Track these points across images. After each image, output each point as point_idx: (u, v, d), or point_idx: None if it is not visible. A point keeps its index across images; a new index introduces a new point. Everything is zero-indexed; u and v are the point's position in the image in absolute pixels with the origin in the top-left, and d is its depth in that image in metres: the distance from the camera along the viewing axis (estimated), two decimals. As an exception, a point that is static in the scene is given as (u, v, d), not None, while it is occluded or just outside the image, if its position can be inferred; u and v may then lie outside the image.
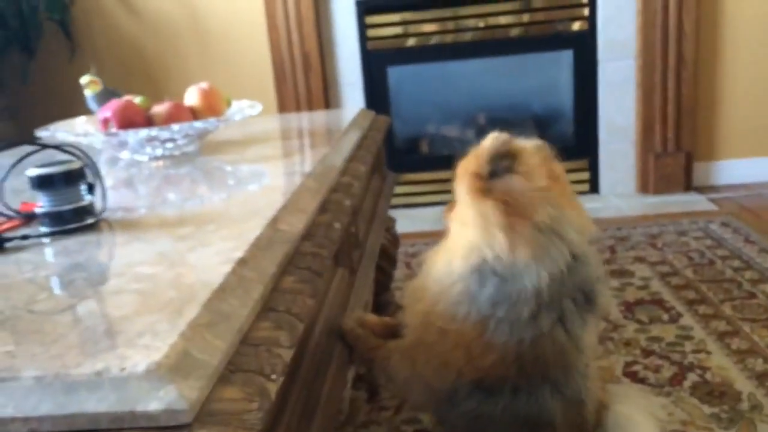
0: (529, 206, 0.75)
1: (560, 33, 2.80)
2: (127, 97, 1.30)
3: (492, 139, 0.77)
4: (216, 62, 2.94)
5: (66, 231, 0.80)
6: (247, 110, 1.30)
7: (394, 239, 1.82)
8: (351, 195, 1.05)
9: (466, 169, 0.78)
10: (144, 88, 2.94)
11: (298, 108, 2.86)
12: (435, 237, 2.56)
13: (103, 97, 1.58)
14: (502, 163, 0.75)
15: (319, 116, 1.73)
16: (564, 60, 2.86)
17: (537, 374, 0.81)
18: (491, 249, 0.78)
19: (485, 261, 0.79)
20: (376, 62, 2.88)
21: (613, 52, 2.78)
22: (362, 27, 2.83)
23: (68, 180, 0.80)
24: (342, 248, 1.05)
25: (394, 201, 2.98)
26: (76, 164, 0.82)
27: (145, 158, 1.26)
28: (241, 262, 0.65)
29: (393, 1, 2.79)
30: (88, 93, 1.56)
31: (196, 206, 0.89)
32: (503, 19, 2.80)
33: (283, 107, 2.87)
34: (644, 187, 2.88)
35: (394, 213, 2.94)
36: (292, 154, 1.21)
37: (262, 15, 2.80)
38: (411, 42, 2.85)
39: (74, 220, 0.81)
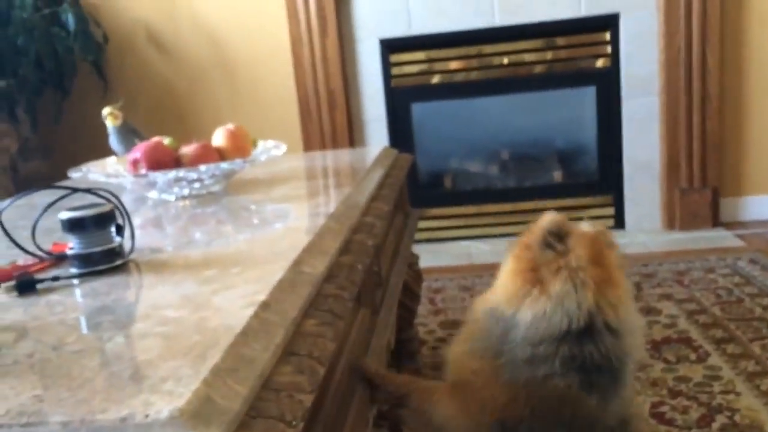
0: (549, 277, 0.87)
1: (583, 70, 2.82)
2: (156, 138, 1.33)
3: (547, 219, 0.91)
4: (244, 100, 3.00)
5: (95, 272, 0.82)
6: (273, 151, 1.32)
7: (417, 275, 1.82)
8: (373, 235, 1.06)
9: (522, 239, 0.93)
10: (174, 126, 3.02)
11: (322, 144, 2.90)
12: (459, 272, 2.56)
13: (123, 132, 1.63)
14: (550, 239, 0.88)
15: (343, 155, 1.75)
16: (587, 96, 2.87)
17: (548, 417, 0.87)
18: (503, 298, 0.92)
19: (497, 307, 0.92)
20: (400, 99, 2.92)
21: (636, 88, 2.78)
22: (386, 65, 2.88)
23: (98, 223, 0.83)
24: (364, 288, 1.06)
25: (418, 236, 2.99)
26: (106, 207, 0.84)
27: (172, 198, 1.28)
28: (264, 306, 0.66)
29: (416, 40, 2.84)
30: (109, 125, 1.60)
31: (221, 247, 0.91)
32: (526, 57, 2.82)
33: (308, 144, 2.91)
34: (670, 223, 2.85)
35: (417, 248, 2.94)
36: (315, 193, 1.23)
37: (289, 54, 2.86)
38: (434, 79, 2.89)
39: (103, 262, 0.83)
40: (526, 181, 3.08)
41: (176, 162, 1.28)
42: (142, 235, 1.02)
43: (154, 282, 0.78)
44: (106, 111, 1.64)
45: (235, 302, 0.68)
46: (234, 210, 1.15)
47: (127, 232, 0.88)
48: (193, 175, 1.20)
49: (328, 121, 2.89)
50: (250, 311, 0.64)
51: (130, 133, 1.69)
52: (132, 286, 0.77)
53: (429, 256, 2.84)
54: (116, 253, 0.84)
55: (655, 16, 2.69)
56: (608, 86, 2.82)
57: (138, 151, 1.25)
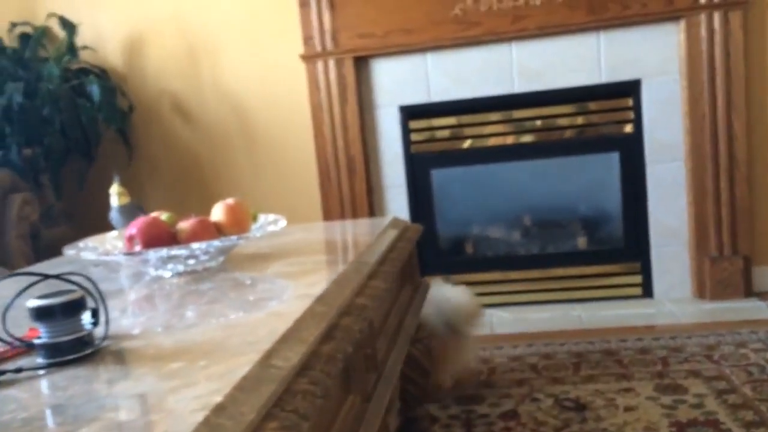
0: None
1: (606, 135, 2.78)
2: (154, 214, 1.32)
3: None
4: (265, 166, 3.03)
5: (62, 363, 0.79)
6: (270, 227, 1.30)
7: (427, 350, 1.76)
8: (363, 318, 1.02)
9: None
10: (196, 191, 3.05)
11: (342, 210, 2.89)
12: (478, 342, 2.48)
13: (129, 209, 1.63)
14: None
15: (349, 226, 1.73)
16: (611, 162, 2.83)
17: None
18: None
19: None
20: (419, 165, 2.91)
21: (661, 153, 2.72)
22: (406, 131, 2.88)
23: (66, 311, 0.80)
24: (354, 374, 1.01)
25: (438, 303, 2.94)
26: (76, 294, 0.82)
27: (168, 274, 1.27)
28: (218, 409, 0.63)
29: (436, 106, 2.84)
30: (114, 204, 1.60)
31: (197, 334, 0.87)
32: (547, 123, 2.80)
33: (327, 210, 2.90)
34: (700, 292, 2.75)
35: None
36: (311, 270, 1.20)
37: (309, 120, 2.89)
38: (454, 145, 2.87)
39: (72, 351, 0.81)
40: (550, 247, 3.01)
41: (173, 238, 1.26)
42: (125, 317, 1.00)
43: (116, 376, 0.75)
44: (115, 190, 1.63)
45: (189, 404, 0.64)
46: (224, 289, 1.12)
47: (102, 319, 0.86)
48: (186, 253, 1.18)
49: (348, 187, 2.88)
50: (200, 416, 0.61)
51: (136, 210, 1.67)
52: (93, 381, 0.74)
53: (449, 325, 2.78)
54: (85, 342, 0.82)
55: (678, 82, 2.66)
56: (632, 152, 2.77)
57: (134, 226, 1.24)
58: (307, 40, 2.81)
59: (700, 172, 2.67)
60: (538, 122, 2.81)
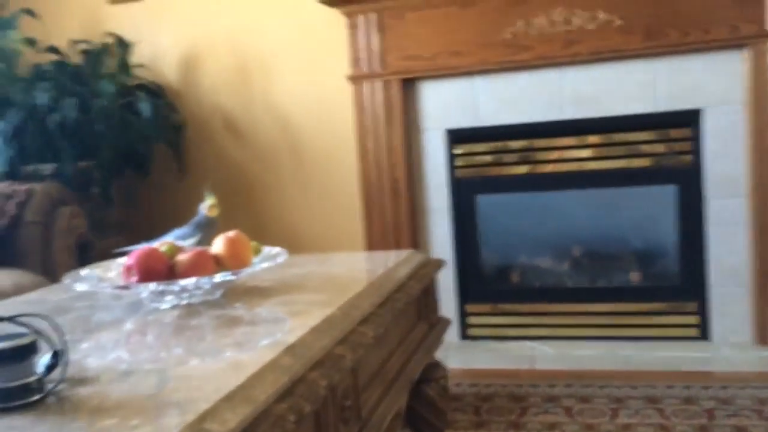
0: None
1: (663, 167, 2.63)
2: (156, 243, 1.32)
3: None
4: (311, 185, 3.03)
5: (8, 409, 0.79)
6: (265, 263, 1.28)
7: (444, 392, 1.70)
8: (338, 370, 0.98)
9: None
10: (243, 208, 3.08)
11: (384, 233, 2.85)
12: (515, 378, 2.40)
13: (208, 223, 1.54)
14: None
15: (361, 261, 1.68)
16: (667, 195, 2.67)
17: None
18: None
19: None
20: (464, 190, 2.84)
21: (722, 188, 2.56)
22: (451, 155, 2.82)
23: (15, 356, 0.80)
24: (327, 429, 0.97)
25: (478, 332, 2.86)
26: (27, 339, 0.81)
27: (166, 305, 1.26)
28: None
29: (483, 131, 2.77)
30: (202, 214, 1.52)
31: (149, 382, 0.85)
32: (599, 151, 2.68)
33: (370, 232, 2.87)
34: (763, 339, 2.56)
35: (474, 346, 2.81)
36: (299, 313, 1.16)
37: (354, 142, 2.87)
38: (501, 171, 2.79)
39: (18, 398, 0.80)
40: (600, 280, 2.88)
41: (169, 270, 1.25)
42: (97, 353, 0.99)
43: (49, 429, 0.73)
44: (210, 202, 1.55)
45: (93, 474, 0.61)
46: (208, 329, 1.10)
47: (62, 362, 0.85)
48: (176, 288, 1.17)
49: (391, 210, 2.84)
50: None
51: (211, 226, 1.58)
52: (23, 434, 0.73)
53: (486, 356, 2.69)
54: (32, 388, 0.81)
55: (741, 112, 2.49)
56: (690, 185, 2.61)
57: (131, 258, 1.24)
58: (355, 61, 2.80)
59: (765, 209, 2.50)
60: (590, 151, 2.70)
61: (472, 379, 2.45)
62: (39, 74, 2.77)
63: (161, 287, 1.16)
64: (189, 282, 1.17)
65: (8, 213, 2.25)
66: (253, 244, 1.37)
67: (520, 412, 2.14)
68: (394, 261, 1.54)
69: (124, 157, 2.83)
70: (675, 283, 2.72)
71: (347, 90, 2.85)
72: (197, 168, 3.14)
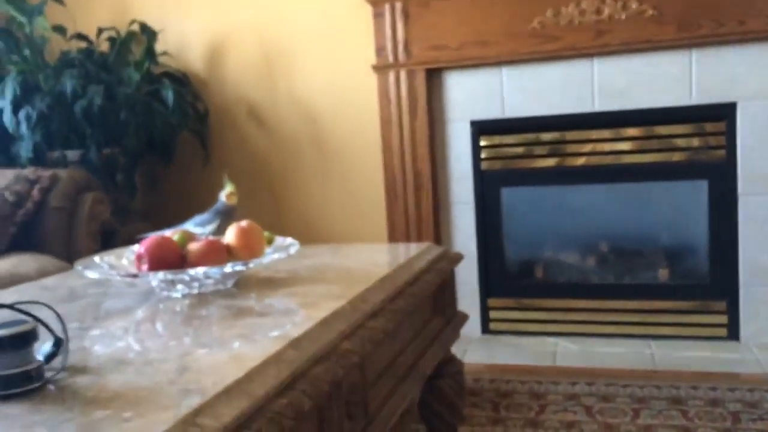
0: None
1: (694, 162, 2.56)
2: (167, 231, 1.31)
3: None
4: (333, 176, 3.02)
5: (5, 396, 0.78)
6: (276, 254, 1.26)
7: (460, 387, 1.67)
8: (343, 365, 0.96)
9: None
10: (265, 196, 3.08)
11: (407, 226, 2.82)
12: (536, 374, 2.36)
13: (227, 211, 1.52)
14: None
15: (379, 253, 1.66)
16: (698, 191, 2.60)
17: None
18: None
19: None
20: (489, 183, 2.80)
21: (756, 185, 2.48)
22: (476, 147, 2.78)
23: (14, 343, 0.79)
24: (331, 425, 0.95)
25: (500, 327, 2.82)
26: (27, 326, 0.81)
27: (177, 294, 1.25)
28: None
29: (509, 123, 2.72)
30: (222, 201, 1.51)
31: (150, 371, 0.84)
32: (628, 145, 2.61)
33: (392, 224, 2.85)
34: (794, 340, 2.48)
35: (496, 340, 2.77)
36: (309, 304, 1.15)
37: (378, 133, 2.84)
38: (527, 164, 2.74)
39: (18, 385, 0.79)
40: (627, 277, 2.82)
41: (181, 259, 1.25)
42: (102, 341, 0.99)
43: (43, 419, 0.72)
44: (229, 189, 1.53)
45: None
46: (216, 318, 1.09)
47: (64, 349, 0.84)
48: (185, 278, 1.16)
49: (414, 202, 2.81)
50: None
51: (230, 214, 1.51)
52: (16, 422, 0.72)
53: (507, 351, 2.65)
54: (31, 376, 0.80)
55: (778, 107, 2.41)
56: (723, 181, 2.53)
57: (142, 246, 1.24)
58: (380, 50, 2.76)
59: (800, 208, 2.41)
60: (619, 144, 2.63)
61: (492, 375, 2.41)
62: (67, 61, 2.79)
63: (170, 276, 1.15)
64: (198, 271, 1.16)
65: (33, 198, 2.28)
66: (266, 234, 1.36)
67: (539, 409, 2.10)
68: (410, 254, 1.52)
69: (149, 144, 2.84)
70: (704, 282, 2.65)
71: (371, 80, 2.82)
72: (220, 156, 3.14)
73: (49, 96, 2.57)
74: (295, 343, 0.94)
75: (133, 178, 2.75)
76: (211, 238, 1.30)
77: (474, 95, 2.74)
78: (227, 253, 1.28)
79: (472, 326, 2.80)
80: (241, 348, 0.92)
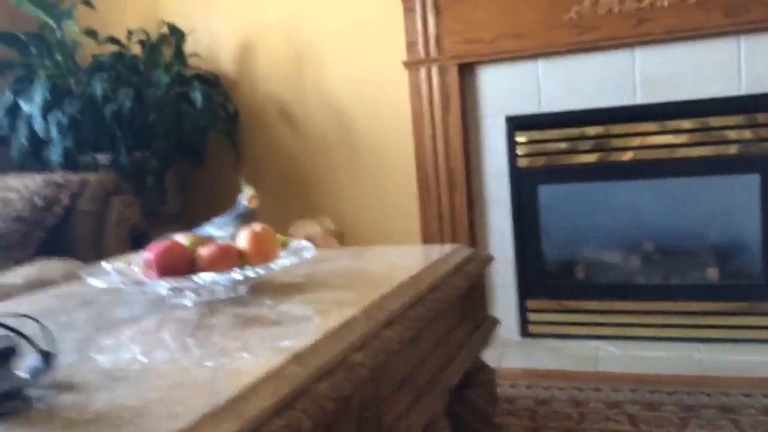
0: None
1: (745, 155, 2.41)
2: (178, 236, 1.26)
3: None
4: (364, 175, 2.95)
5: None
6: (291, 259, 1.20)
7: (491, 397, 1.58)
8: (352, 380, 0.89)
9: None
10: (296, 197, 3.04)
11: (440, 225, 2.74)
12: (576, 380, 2.24)
13: (247, 214, 1.47)
14: None
15: (404, 256, 1.58)
16: (750, 185, 2.45)
17: None
18: None
19: None
20: (525, 180, 2.69)
21: (813, 178, 2.32)
22: (512, 143, 2.68)
23: (-7, 360, 0.74)
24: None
25: (541, 329, 2.71)
26: (4, 343, 0.76)
27: (188, 302, 1.20)
28: None
29: (546, 117, 2.61)
30: (243, 203, 1.45)
31: (131, 393, 0.78)
32: (673, 138, 2.48)
33: (425, 223, 2.77)
34: None
35: (535, 344, 2.67)
36: (323, 312, 1.08)
37: (410, 130, 2.76)
38: (566, 160, 2.62)
39: (-2, 404, 0.74)
40: (674, 277, 2.68)
41: (190, 265, 1.19)
42: (102, 354, 0.94)
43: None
44: (249, 192, 1.47)
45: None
46: (224, 328, 1.03)
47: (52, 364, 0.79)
48: (192, 285, 1.11)
49: (447, 201, 2.73)
50: None
51: (252, 217, 1.44)
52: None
53: (546, 356, 2.55)
54: (12, 395, 0.75)
55: (836, 95, 2.25)
56: (776, 175, 2.38)
57: (151, 251, 1.19)
58: (411, 45, 2.68)
59: None
60: (663, 138, 2.50)
61: (530, 381, 2.32)
62: (98, 65, 2.78)
63: (177, 284, 1.10)
64: (206, 278, 1.10)
65: (62, 203, 2.27)
66: (280, 237, 1.30)
67: (578, 418, 2.00)
68: (436, 256, 1.44)
69: (179, 146, 2.82)
70: (757, 282, 2.49)
71: (402, 76, 2.74)
72: (251, 157, 3.11)
73: (79, 100, 2.56)
74: (299, 357, 0.87)
75: (163, 180, 2.73)
76: (223, 243, 1.24)
77: (509, 90, 2.64)
78: (240, 259, 1.22)
79: (510, 329, 2.71)
80: (242, 362, 0.86)
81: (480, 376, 1.55)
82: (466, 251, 1.55)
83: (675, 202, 2.68)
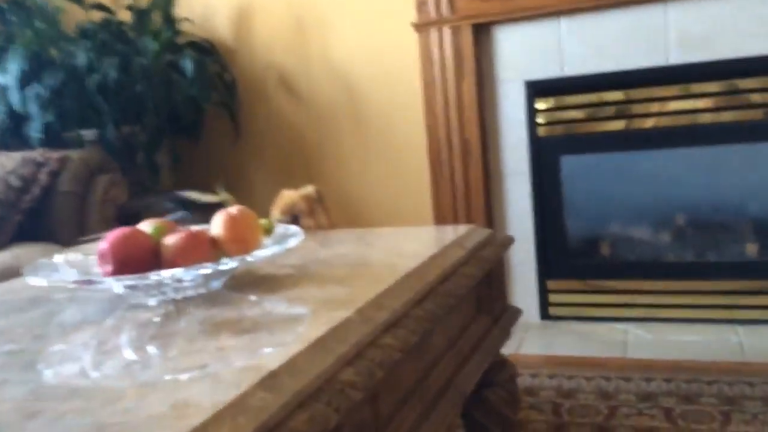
0: None
1: (787, 118, 2.18)
2: (144, 223, 1.07)
3: None
4: (373, 147, 2.75)
5: None
6: (270, 250, 1.00)
7: (512, 398, 1.39)
8: (338, 408, 0.70)
9: None
10: (301, 172, 2.84)
11: (454, 201, 2.54)
12: (603, 369, 2.03)
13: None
14: None
15: (411, 239, 1.38)
16: (794, 152, 2.23)
17: None
18: None
19: None
20: (546, 150, 2.48)
21: None
22: (532, 111, 2.45)
23: None
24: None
25: (562, 311, 2.51)
26: None
27: (152, 301, 1.01)
28: None
29: (569, 82, 2.39)
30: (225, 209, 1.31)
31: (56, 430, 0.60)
32: (709, 102, 2.25)
33: (438, 199, 2.56)
34: None
35: (558, 327, 2.47)
36: (313, 312, 0.89)
37: (420, 98, 2.55)
38: (591, 128, 2.40)
39: None
40: (709, 254, 2.46)
41: (153, 258, 1.00)
42: (27, 372, 0.75)
43: None
44: (224, 196, 1.35)
45: None
46: (186, 337, 0.84)
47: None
48: (152, 282, 0.91)
49: (461, 174, 2.52)
50: None
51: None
52: None
53: (569, 340, 2.35)
54: None
55: None
56: (824, 140, 2.15)
57: (106, 241, 1.00)
58: (421, 6, 2.46)
59: None
60: (699, 102, 2.27)
61: (552, 369, 2.12)
62: (83, 33, 2.59)
63: (133, 282, 0.91)
64: (169, 275, 0.91)
65: (40, 183, 2.09)
66: (264, 222, 1.10)
67: (608, 413, 1.80)
68: (447, 240, 1.24)
69: (173, 120, 2.62)
70: (802, 259, 2.28)
71: (412, 40, 2.52)
72: (251, 131, 2.91)
73: (61, 71, 2.37)
74: (273, 378, 0.68)
75: (154, 157, 2.54)
76: (193, 228, 1.05)
77: (528, 52, 2.42)
78: (213, 248, 1.03)
79: (530, 312, 2.51)
80: (196, 389, 0.67)
81: (499, 373, 1.36)
82: (481, 233, 1.35)
83: (710, 172, 2.45)
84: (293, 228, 1.11)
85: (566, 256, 2.54)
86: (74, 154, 2.24)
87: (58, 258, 1.06)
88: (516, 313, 1.42)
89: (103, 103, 2.41)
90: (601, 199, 2.56)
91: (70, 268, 1.02)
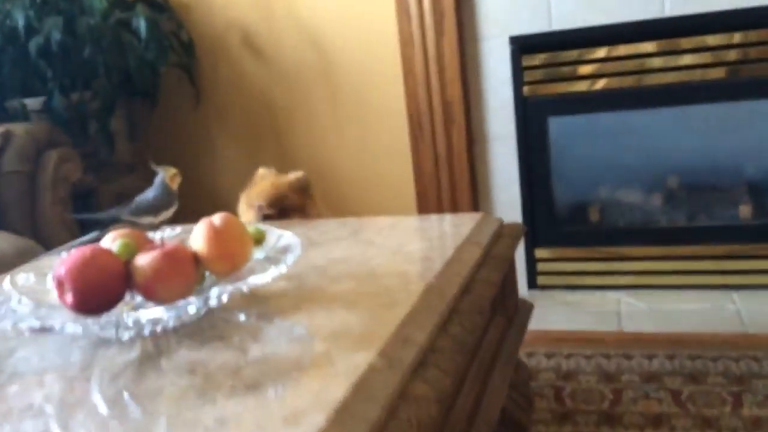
0: None
1: (790, 75, 2.07)
2: (109, 237, 0.89)
3: None
4: (346, 111, 2.56)
5: None
6: (263, 276, 0.83)
7: (526, 401, 1.27)
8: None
9: None
10: (269, 141, 2.65)
11: (436, 169, 2.39)
12: (602, 345, 1.91)
13: (166, 200, 1.29)
14: None
15: (416, 235, 1.22)
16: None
17: None
18: None
19: None
20: (533, 111, 2.33)
21: None
22: (518, 69, 2.29)
23: None
24: None
25: (551, 280, 2.41)
26: None
27: (125, 336, 0.84)
28: None
29: (557, 37, 2.23)
30: (166, 184, 1.33)
31: None
32: (705, 58, 2.12)
33: (418, 167, 2.41)
34: None
35: (548, 297, 2.38)
36: (324, 355, 0.73)
37: (398, 57, 2.36)
38: (580, 87, 2.26)
39: None
40: (702, 217, 2.37)
41: (123, 283, 0.83)
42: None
43: None
44: (170, 172, 1.38)
45: None
46: (187, 391, 0.68)
47: None
48: (121, 323, 0.74)
49: (443, 139, 2.36)
50: None
51: (172, 200, 1.37)
52: None
53: (562, 312, 2.26)
54: None
55: None
56: (826, 97, 2.05)
57: (63, 265, 0.82)
58: (396, -45, 2.25)
59: None
60: (694, 57, 2.13)
61: (548, 347, 2.02)
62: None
63: (96, 325, 0.73)
64: (140, 316, 0.74)
65: (-20, 163, 1.86)
66: (253, 230, 0.93)
67: (613, 397, 1.71)
68: (459, 238, 1.08)
69: (126, 85, 2.39)
70: (798, 222, 2.20)
71: (388, -6, 2.31)
72: (212, 94, 2.69)
73: (-4, 34, 2.11)
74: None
75: (108, 126, 2.31)
76: (169, 243, 0.87)
77: (513, 5, 2.25)
78: (195, 267, 0.86)
79: (518, 282, 2.40)
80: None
81: (513, 376, 1.23)
82: (492, 223, 1.20)
83: (703, 132, 2.35)
84: (287, 236, 0.94)
85: (554, 223, 2.43)
86: (18, 127, 2.00)
87: (6, 284, 0.87)
88: (528, 309, 1.29)
89: (47, 68, 2.17)
90: (590, 162, 2.44)
91: (20, 297, 0.84)
